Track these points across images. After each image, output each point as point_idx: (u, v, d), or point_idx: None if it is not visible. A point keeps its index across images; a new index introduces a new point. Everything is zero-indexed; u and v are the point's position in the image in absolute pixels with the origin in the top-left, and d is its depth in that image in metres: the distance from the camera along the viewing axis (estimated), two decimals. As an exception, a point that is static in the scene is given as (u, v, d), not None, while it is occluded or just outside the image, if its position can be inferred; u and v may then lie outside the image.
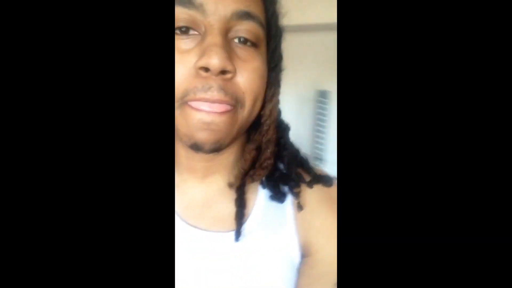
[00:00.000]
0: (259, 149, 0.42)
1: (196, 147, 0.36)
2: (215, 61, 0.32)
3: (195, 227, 0.41)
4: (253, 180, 0.42)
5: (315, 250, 0.41)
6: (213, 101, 0.34)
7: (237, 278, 0.39)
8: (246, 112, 0.37)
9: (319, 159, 1.79)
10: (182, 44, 0.34)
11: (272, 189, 0.43)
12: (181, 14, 0.34)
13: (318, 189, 0.43)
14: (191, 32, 0.35)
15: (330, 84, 2.01)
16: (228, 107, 0.35)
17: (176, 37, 0.34)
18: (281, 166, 0.45)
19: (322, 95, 1.81)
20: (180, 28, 0.34)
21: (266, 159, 0.41)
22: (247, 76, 0.35)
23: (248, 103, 0.36)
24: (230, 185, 0.42)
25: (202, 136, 0.35)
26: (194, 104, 0.34)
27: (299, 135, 2.30)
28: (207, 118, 0.34)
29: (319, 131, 1.76)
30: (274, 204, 0.43)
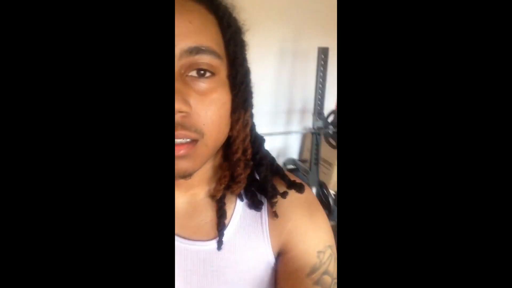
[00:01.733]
0: (233, 166, 0.46)
1: None
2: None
3: (178, 235, 0.46)
4: (231, 193, 0.47)
5: (288, 249, 0.46)
6: (177, 137, 0.36)
7: (219, 277, 0.44)
8: (210, 141, 0.39)
9: (320, 107, 2.15)
10: None
11: (250, 198, 0.48)
12: None
13: (290, 194, 0.48)
14: None
15: (330, 40, 1.88)
16: (190, 141, 0.37)
17: None
18: (258, 177, 0.49)
19: (323, 51, 2.07)
20: None
21: (239, 175, 0.46)
22: (206, 109, 0.37)
23: (209, 133, 0.38)
24: (212, 197, 0.47)
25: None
26: None
27: (305, 87, 2.41)
28: (176, 154, 0.37)
29: (320, 82, 2.16)
30: (251, 213, 0.47)
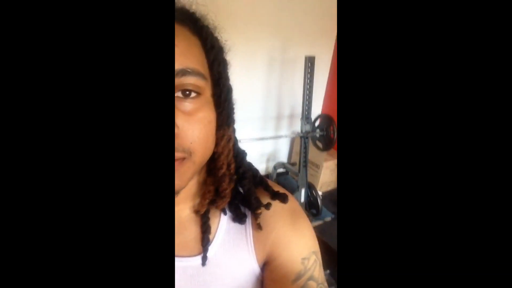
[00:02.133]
0: (218, 181, 0.47)
1: None
2: None
3: None
4: (216, 208, 0.47)
5: (273, 258, 0.46)
6: None
7: None
8: (197, 159, 0.39)
9: (308, 112, 2.12)
10: None
11: (234, 212, 0.48)
12: None
13: (273, 205, 0.48)
14: None
15: (316, 49, 2.04)
16: (178, 160, 0.37)
17: None
18: (241, 190, 0.50)
19: (309, 60, 2.18)
20: None
21: (224, 190, 0.46)
22: (193, 128, 0.38)
23: (196, 151, 0.39)
24: (196, 212, 0.47)
25: None
26: None
27: (292, 94, 2.57)
28: None
29: (307, 89, 2.26)
30: (235, 226, 0.48)
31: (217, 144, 0.45)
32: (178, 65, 0.36)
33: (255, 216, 0.47)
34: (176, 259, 0.45)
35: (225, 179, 0.46)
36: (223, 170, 0.46)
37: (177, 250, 0.46)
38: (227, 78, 0.45)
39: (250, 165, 0.52)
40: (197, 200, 0.48)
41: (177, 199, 0.47)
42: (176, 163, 0.37)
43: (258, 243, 0.47)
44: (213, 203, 0.47)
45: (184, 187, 0.40)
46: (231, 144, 0.47)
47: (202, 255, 0.45)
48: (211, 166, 0.47)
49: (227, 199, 0.47)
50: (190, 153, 0.38)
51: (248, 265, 0.46)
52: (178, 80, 0.36)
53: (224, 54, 0.45)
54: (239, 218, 0.48)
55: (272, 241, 0.46)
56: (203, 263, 0.45)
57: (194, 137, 0.38)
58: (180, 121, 0.36)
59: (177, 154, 0.37)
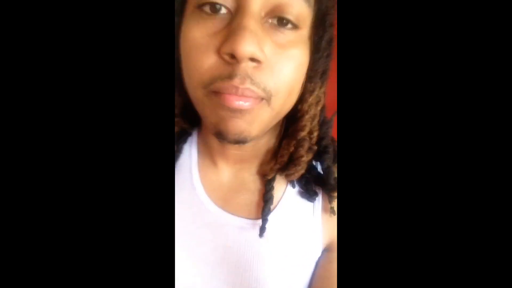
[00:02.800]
0: (296, 146, 0.39)
1: (219, 136, 0.33)
2: (241, 47, 0.28)
3: (222, 209, 0.41)
4: (286, 177, 0.41)
5: (334, 247, 0.40)
6: (239, 91, 0.30)
7: (259, 261, 0.39)
8: (276, 106, 0.33)
9: None
10: (209, 24, 0.30)
11: (304, 186, 0.41)
12: None
13: None
14: (221, 10, 0.30)
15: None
16: (254, 100, 0.31)
17: (204, 15, 0.31)
18: (318, 166, 0.43)
19: None
20: (208, 4, 0.30)
21: (299, 157, 0.39)
22: (281, 65, 0.31)
23: (279, 96, 0.32)
24: (263, 176, 0.41)
25: (226, 127, 0.32)
26: (220, 93, 0.31)
27: None
28: (232, 108, 0.31)
29: None
30: (302, 202, 0.41)
31: (303, 101, 0.37)
32: None
33: (329, 199, 0.40)
34: (231, 217, 0.40)
35: (304, 144, 0.39)
36: (304, 133, 0.39)
37: (233, 209, 0.41)
38: (332, 24, 0.36)
39: (333, 140, 0.44)
40: (266, 163, 0.42)
41: (242, 156, 0.41)
42: (252, 103, 0.31)
43: (326, 229, 0.41)
44: (283, 170, 0.40)
45: (253, 137, 0.34)
46: (319, 107, 0.40)
47: (261, 224, 0.39)
48: (291, 127, 0.40)
49: (302, 170, 0.40)
50: (270, 96, 0.32)
51: (309, 248, 0.41)
52: (277, 1, 0.30)
53: None
54: (309, 194, 0.41)
55: None
56: (261, 234, 0.39)
57: (279, 77, 0.32)
58: (269, 51, 0.30)
59: (256, 92, 0.31)
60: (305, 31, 0.33)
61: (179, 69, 0.35)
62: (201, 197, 0.42)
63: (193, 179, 0.43)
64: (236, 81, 0.30)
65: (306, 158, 0.39)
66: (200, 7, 0.31)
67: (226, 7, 0.30)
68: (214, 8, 0.30)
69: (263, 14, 0.30)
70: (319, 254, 0.42)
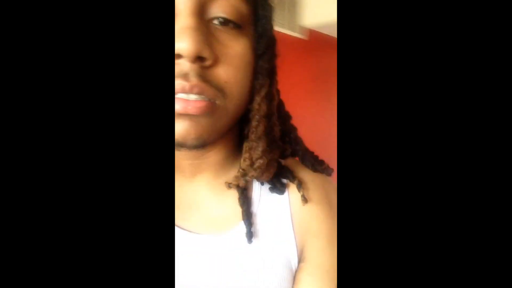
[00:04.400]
0: (255, 146, 0.38)
1: (178, 144, 0.32)
2: (187, 45, 0.28)
3: (183, 229, 0.38)
4: (260, 180, 0.40)
5: (313, 255, 0.39)
6: (190, 90, 0.30)
7: (231, 278, 0.37)
8: (231, 104, 0.33)
9: None
10: None
11: (271, 181, 0.40)
12: None
13: (316, 187, 0.41)
14: None
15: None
16: (207, 103, 0.31)
17: None
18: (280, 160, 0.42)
19: None
20: None
21: (258, 158, 0.37)
22: (230, 63, 0.31)
23: (231, 93, 0.32)
24: (228, 186, 0.39)
25: (182, 131, 0.31)
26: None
27: None
28: (186, 113, 0.30)
29: None
30: (272, 199, 0.41)
31: (253, 100, 0.37)
32: None
33: (298, 188, 0.40)
34: (194, 235, 0.38)
35: (260, 144, 0.37)
36: (259, 133, 0.37)
37: (196, 227, 0.39)
38: (271, 18, 0.36)
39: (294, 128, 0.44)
40: (227, 169, 0.40)
41: (201, 167, 0.39)
42: (206, 104, 0.30)
43: (298, 225, 0.40)
44: (249, 174, 0.38)
45: (211, 140, 0.33)
46: (274, 103, 0.38)
47: (246, 231, 0.38)
48: (246, 130, 0.39)
49: (272, 169, 0.39)
50: (223, 94, 0.32)
51: (285, 245, 0.39)
52: (217, 0, 0.30)
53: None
54: (277, 188, 0.40)
55: (314, 231, 0.40)
56: (249, 240, 0.37)
57: (230, 75, 0.32)
58: (215, 50, 0.30)
59: (209, 91, 0.30)
60: (247, 30, 0.34)
61: None
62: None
63: None
64: (185, 80, 0.29)
65: (266, 159, 0.37)
66: None
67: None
68: None
69: (204, 16, 0.31)
70: (295, 258, 0.39)
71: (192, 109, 0.30)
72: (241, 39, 0.33)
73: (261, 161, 0.37)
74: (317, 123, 2.10)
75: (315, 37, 2.12)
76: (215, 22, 0.31)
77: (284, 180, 0.41)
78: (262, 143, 0.37)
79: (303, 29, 2.03)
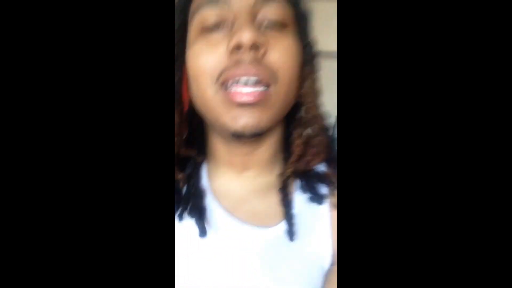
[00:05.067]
0: (305, 144, 0.42)
1: (235, 134, 0.37)
2: (245, 34, 0.33)
3: (232, 215, 0.41)
4: (308, 166, 0.42)
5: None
6: (248, 72, 0.34)
7: (264, 273, 0.39)
8: (282, 89, 0.37)
9: None
10: (212, 38, 0.36)
11: (312, 189, 0.43)
12: (209, 16, 0.36)
13: None
14: (221, 28, 0.36)
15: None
16: (260, 93, 0.35)
17: (207, 34, 0.37)
18: (320, 167, 0.44)
19: None
20: (210, 27, 0.37)
21: (315, 136, 0.41)
22: (279, 53, 0.36)
23: (282, 79, 0.36)
24: (280, 178, 0.42)
25: (239, 122, 0.36)
26: (230, 89, 0.35)
27: None
28: (241, 102, 0.35)
29: None
30: (312, 205, 0.42)
31: (303, 85, 0.41)
32: None
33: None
34: (242, 224, 0.41)
35: (315, 125, 0.41)
36: (313, 112, 0.41)
37: (244, 217, 0.41)
38: (309, 20, 0.43)
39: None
40: (275, 165, 0.44)
41: (250, 163, 0.43)
42: (260, 94, 0.35)
43: (335, 231, 0.41)
44: (302, 162, 0.41)
45: (267, 128, 0.37)
46: (318, 92, 0.42)
47: (288, 229, 0.40)
48: (291, 126, 0.43)
49: (322, 155, 0.42)
50: (275, 80, 0.36)
51: (320, 250, 0.41)
52: (265, 7, 0.36)
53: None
54: (316, 197, 0.42)
55: None
56: (291, 238, 0.39)
57: (280, 63, 0.36)
58: (267, 42, 0.35)
59: (264, 74, 0.35)
60: (291, 27, 0.39)
61: (180, 93, 0.41)
62: (211, 203, 0.42)
63: (210, 201, 0.43)
64: (243, 67, 0.35)
65: (322, 138, 0.41)
66: (202, 30, 0.37)
67: (224, 25, 0.36)
68: (215, 28, 0.36)
69: (257, 20, 0.36)
70: (328, 265, 0.42)
71: (248, 98, 0.35)
72: (287, 35, 0.38)
73: (319, 138, 0.41)
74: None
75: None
76: (265, 23, 0.37)
77: (324, 190, 0.43)
78: (318, 121, 0.41)
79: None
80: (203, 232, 0.39)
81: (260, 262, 0.39)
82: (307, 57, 0.41)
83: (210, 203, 0.42)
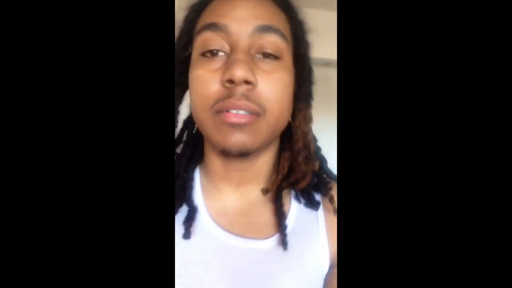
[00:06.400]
0: (295, 156, 0.45)
1: (224, 152, 0.40)
2: (237, 72, 0.36)
3: (229, 232, 0.42)
4: (293, 187, 0.46)
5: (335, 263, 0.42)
6: (238, 106, 0.38)
7: (273, 280, 0.40)
8: (271, 120, 0.40)
9: None
10: (211, 64, 0.39)
11: (306, 197, 0.46)
12: (208, 40, 0.40)
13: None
14: (219, 53, 0.39)
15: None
16: (251, 116, 0.38)
17: (207, 59, 0.40)
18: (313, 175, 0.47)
19: None
20: (209, 51, 0.40)
21: (298, 165, 0.44)
22: (270, 86, 0.39)
23: (271, 110, 0.39)
24: (264, 191, 0.45)
25: (228, 141, 0.39)
26: (222, 112, 0.38)
27: None
28: (232, 123, 0.38)
29: None
30: (307, 212, 0.45)
31: (294, 117, 0.45)
32: (260, 21, 0.39)
33: (331, 201, 0.45)
34: (240, 239, 0.42)
35: (300, 153, 0.44)
36: (299, 145, 0.44)
37: (242, 231, 0.43)
38: (308, 53, 0.45)
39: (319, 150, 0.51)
40: (270, 179, 0.46)
41: (246, 178, 0.45)
42: (250, 117, 0.38)
43: (332, 234, 0.44)
44: (286, 180, 0.45)
45: (255, 149, 0.40)
46: (309, 125, 0.46)
47: (281, 239, 0.42)
48: (287, 143, 0.46)
49: (306, 178, 0.45)
50: (264, 110, 0.39)
51: (318, 254, 0.43)
52: (261, 38, 0.39)
53: (306, 32, 0.45)
54: (312, 204, 0.46)
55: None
56: (285, 247, 0.41)
57: (270, 95, 0.39)
58: (258, 77, 0.38)
59: (252, 107, 0.38)
60: (286, 61, 0.41)
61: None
62: (207, 223, 0.43)
63: (199, 207, 0.44)
64: (234, 99, 0.37)
65: (305, 167, 0.44)
66: (203, 54, 0.40)
67: (222, 51, 0.39)
68: (214, 53, 0.39)
69: (251, 51, 0.39)
70: (327, 268, 0.43)
71: (239, 120, 0.38)
72: (280, 67, 0.40)
73: (301, 167, 0.44)
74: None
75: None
76: (260, 55, 0.40)
77: (318, 197, 0.47)
78: (303, 153, 0.45)
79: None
80: (187, 234, 0.41)
81: (258, 274, 0.40)
82: (301, 94, 0.44)
83: (207, 222, 0.43)
